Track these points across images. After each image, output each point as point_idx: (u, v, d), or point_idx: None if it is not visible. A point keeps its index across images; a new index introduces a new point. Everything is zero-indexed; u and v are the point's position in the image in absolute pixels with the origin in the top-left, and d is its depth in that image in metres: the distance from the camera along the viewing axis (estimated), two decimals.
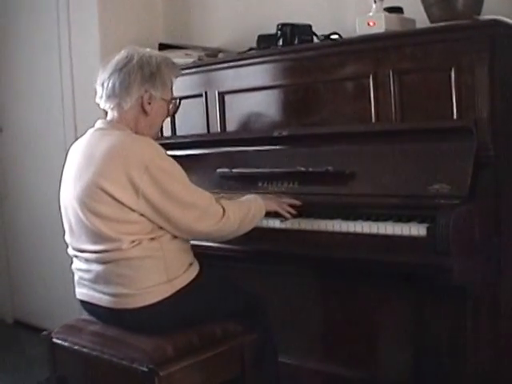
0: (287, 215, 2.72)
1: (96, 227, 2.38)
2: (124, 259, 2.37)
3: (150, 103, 2.52)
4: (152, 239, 2.40)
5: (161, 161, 2.38)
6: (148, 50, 2.60)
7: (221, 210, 2.46)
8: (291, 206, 2.75)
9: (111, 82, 2.49)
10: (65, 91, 4.24)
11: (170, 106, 2.62)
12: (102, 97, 2.54)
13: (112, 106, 2.52)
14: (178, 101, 2.70)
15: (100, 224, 2.37)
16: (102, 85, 2.52)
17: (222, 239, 2.59)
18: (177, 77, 2.64)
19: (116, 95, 2.49)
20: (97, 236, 2.40)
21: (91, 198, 2.38)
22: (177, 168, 2.43)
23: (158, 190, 2.34)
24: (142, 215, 2.37)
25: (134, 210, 2.35)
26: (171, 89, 2.61)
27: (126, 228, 2.37)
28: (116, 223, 2.36)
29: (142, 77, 2.48)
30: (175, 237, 2.46)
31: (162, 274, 2.41)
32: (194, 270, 2.52)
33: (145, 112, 2.52)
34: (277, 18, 3.21)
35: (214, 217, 2.44)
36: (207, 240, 2.65)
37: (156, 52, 2.65)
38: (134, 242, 2.37)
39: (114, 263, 2.39)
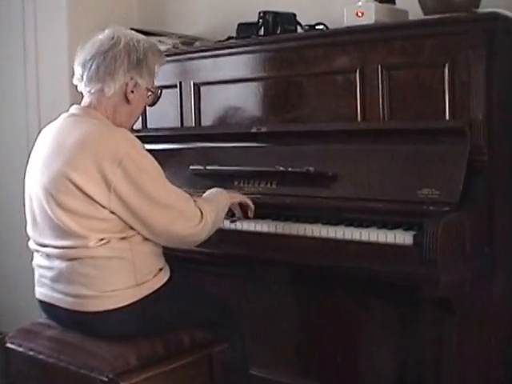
0: (251, 208, 2.73)
1: (61, 221, 2.31)
2: (89, 257, 2.31)
3: (133, 92, 2.47)
4: (122, 239, 2.34)
5: (137, 155, 2.31)
6: (134, 32, 2.54)
7: (199, 213, 2.41)
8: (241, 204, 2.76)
9: (95, 63, 2.41)
10: (28, 80, 4.14)
11: (150, 96, 2.56)
12: (81, 79, 2.45)
13: (93, 91, 2.44)
14: (159, 91, 2.64)
15: (66, 218, 2.30)
16: (84, 65, 2.43)
17: (195, 244, 2.52)
18: (161, 65, 2.59)
19: (99, 79, 2.41)
20: (62, 231, 2.32)
21: (58, 189, 2.31)
22: (154, 165, 2.37)
23: (132, 186, 2.27)
24: (112, 213, 2.30)
25: (104, 207, 2.28)
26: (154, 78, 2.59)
27: (94, 224, 2.30)
28: (84, 219, 2.29)
29: (128, 63, 2.42)
30: (147, 238, 2.40)
31: (130, 277, 2.34)
32: (165, 276, 2.46)
33: (127, 100, 2.47)
34: (258, 6, 3.19)
35: (191, 220, 2.39)
36: (181, 245, 2.57)
37: (141, 36, 2.57)
38: (102, 240, 2.30)
39: (78, 261, 2.32)
